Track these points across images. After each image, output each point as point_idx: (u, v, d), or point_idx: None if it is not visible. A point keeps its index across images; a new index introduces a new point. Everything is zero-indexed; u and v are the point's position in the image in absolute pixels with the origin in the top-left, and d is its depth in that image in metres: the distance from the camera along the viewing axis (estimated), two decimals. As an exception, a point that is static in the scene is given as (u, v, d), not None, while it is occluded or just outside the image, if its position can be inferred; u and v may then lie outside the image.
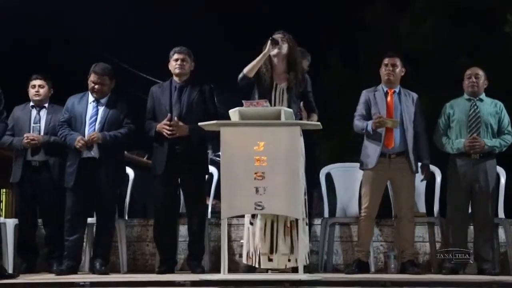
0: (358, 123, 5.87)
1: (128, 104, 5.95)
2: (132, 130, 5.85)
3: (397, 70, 5.82)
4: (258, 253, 5.19)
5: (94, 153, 5.68)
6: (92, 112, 5.80)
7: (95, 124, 5.75)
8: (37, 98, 6.19)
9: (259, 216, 5.21)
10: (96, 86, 5.77)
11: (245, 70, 5.34)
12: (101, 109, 5.80)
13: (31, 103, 6.24)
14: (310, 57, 6.13)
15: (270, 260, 5.17)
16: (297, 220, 4.98)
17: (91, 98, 5.83)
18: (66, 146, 5.79)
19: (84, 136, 5.68)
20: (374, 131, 5.72)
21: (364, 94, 5.91)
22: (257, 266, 5.22)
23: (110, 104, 5.83)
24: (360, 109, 5.89)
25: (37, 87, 6.21)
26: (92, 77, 5.79)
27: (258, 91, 5.36)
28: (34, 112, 6.20)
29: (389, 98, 5.81)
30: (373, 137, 5.74)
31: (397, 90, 5.84)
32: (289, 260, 5.15)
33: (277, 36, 5.38)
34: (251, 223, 5.29)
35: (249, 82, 5.34)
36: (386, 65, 5.83)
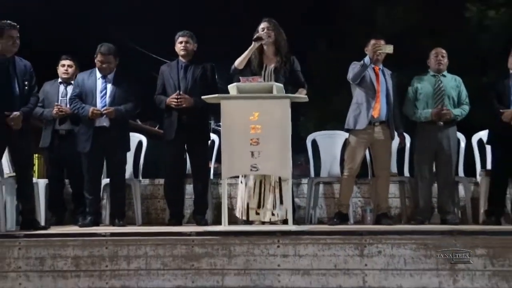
0: (354, 66, 5.85)
1: (133, 80, 6.12)
2: (137, 104, 6.08)
3: None
4: (247, 207, 5.47)
5: (105, 122, 5.94)
6: (101, 87, 6.00)
7: (105, 97, 5.97)
8: (66, 76, 6.47)
9: (249, 177, 5.46)
10: (104, 65, 5.98)
11: (236, 63, 5.57)
12: (109, 85, 6.01)
13: (60, 80, 6.51)
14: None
15: (257, 214, 5.45)
16: (281, 180, 5.26)
17: (98, 74, 6.03)
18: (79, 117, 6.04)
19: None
20: (372, 60, 5.80)
21: (355, 63, 5.95)
22: (245, 218, 5.48)
23: (116, 80, 6.03)
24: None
25: (66, 67, 6.49)
26: (99, 57, 6.00)
27: (250, 73, 5.57)
28: (62, 87, 6.48)
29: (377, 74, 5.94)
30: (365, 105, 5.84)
31: (381, 68, 5.99)
32: (273, 214, 5.42)
33: (263, 25, 5.61)
34: (241, 182, 5.57)
35: (240, 72, 5.53)
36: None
